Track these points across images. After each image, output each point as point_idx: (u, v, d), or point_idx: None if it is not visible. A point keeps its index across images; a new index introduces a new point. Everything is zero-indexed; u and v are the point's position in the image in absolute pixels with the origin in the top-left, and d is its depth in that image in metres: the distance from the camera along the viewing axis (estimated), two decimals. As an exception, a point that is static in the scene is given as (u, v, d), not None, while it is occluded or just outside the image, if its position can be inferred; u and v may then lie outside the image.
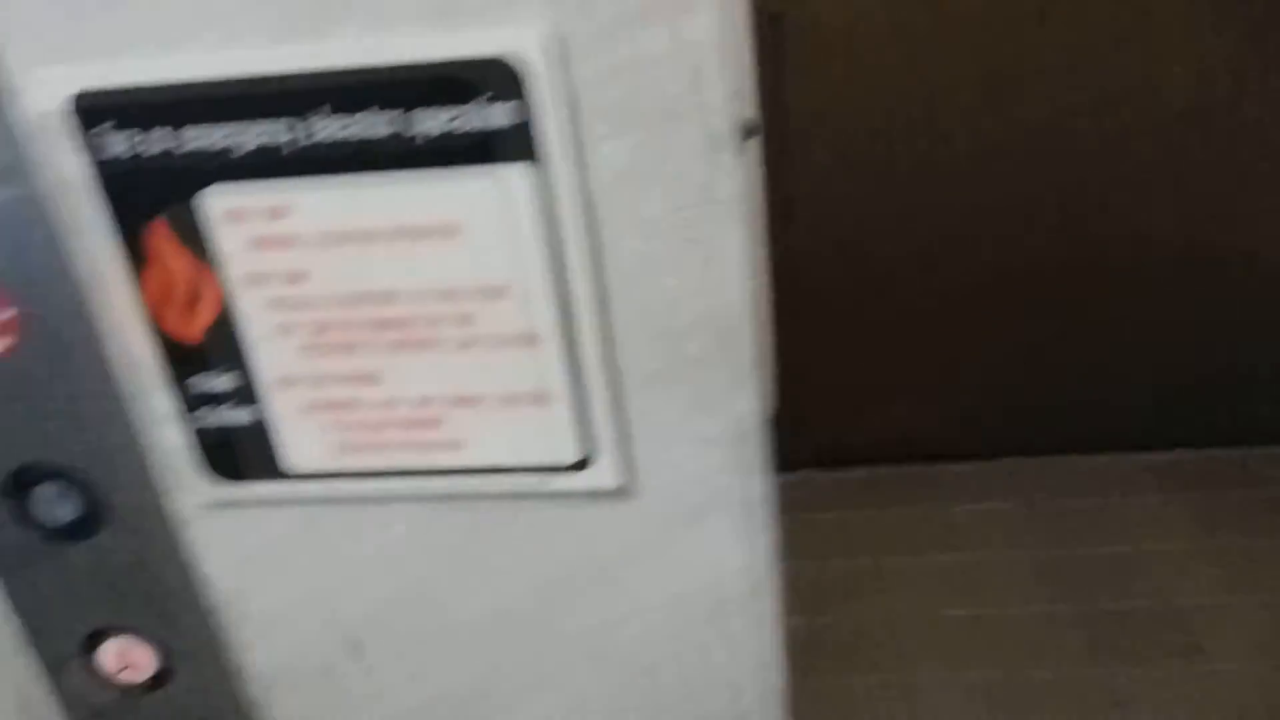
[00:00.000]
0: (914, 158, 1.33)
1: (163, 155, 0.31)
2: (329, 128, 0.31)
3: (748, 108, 0.30)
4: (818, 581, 1.46)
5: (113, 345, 0.35)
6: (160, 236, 0.33)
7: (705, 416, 0.34)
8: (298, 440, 0.36)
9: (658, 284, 0.32)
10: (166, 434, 0.36)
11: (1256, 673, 1.32)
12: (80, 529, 0.38)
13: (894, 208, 1.37)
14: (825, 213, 1.34)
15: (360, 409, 0.35)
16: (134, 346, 0.35)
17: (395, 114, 0.30)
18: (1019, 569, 1.54)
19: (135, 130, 0.31)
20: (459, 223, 0.31)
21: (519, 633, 0.39)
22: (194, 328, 0.34)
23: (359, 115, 0.30)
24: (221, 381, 0.35)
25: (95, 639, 0.41)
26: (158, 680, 0.41)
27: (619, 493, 0.35)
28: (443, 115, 0.30)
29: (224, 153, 0.31)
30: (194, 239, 0.33)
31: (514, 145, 0.30)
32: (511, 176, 0.30)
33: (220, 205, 0.32)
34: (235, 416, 0.35)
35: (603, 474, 0.35)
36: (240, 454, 0.36)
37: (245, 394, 0.35)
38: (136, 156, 0.31)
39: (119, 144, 0.31)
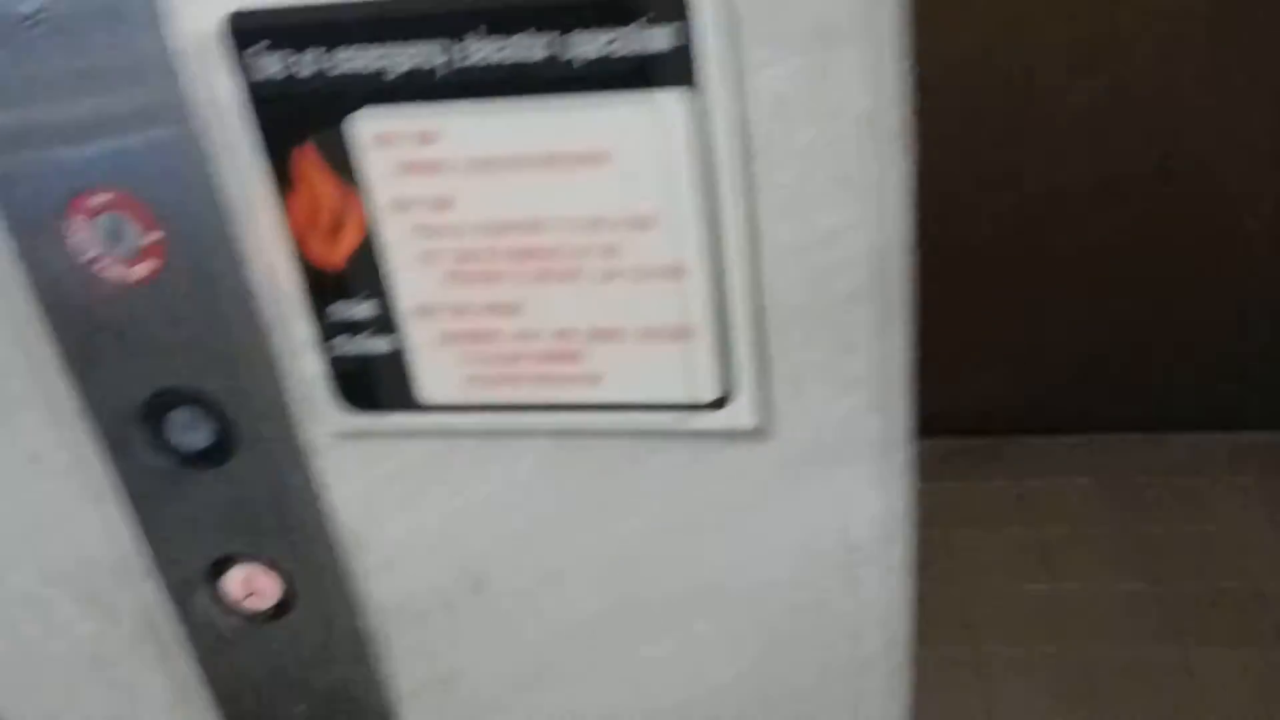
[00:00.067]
0: (1004, 122, 1.30)
1: (315, 77, 0.31)
2: (483, 50, 0.30)
3: (911, 39, 0.29)
4: (890, 551, 1.44)
5: (254, 272, 0.35)
6: (308, 161, 0.33)
7: (849, 356, 0.33)
8: (433, 371, 0.35)
9: (810, 217, 0.31)
10: (303, 362, 0.36)
11: (1345, 659, 1.28)
12: (212, 456, 0.39)
13: (979, 176, 1.34)
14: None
15: (498, 340, 0.34)
16: (276, 273, 0.35)
17: (552, 36, 0.30)
18: (1095, 546, 1.51)
19: (289, 51, 0.31)
20: (610, 150, 0.31)
21: (641, 573, 0.39)
22: (336, 254, 0.34)
23: (515, 37, 0.30)
24: (360, 310, 0.35)
25: (221, 566, 0.42)
26: (281, 608, 0.42)
27: (755, 433, 0.35)
28: (601, 38, 0.29)
29: (376, 75, 0.31)
30: (341, 163, 0.32)
31: (672, 70, 0.29)
32: (667, 103, 0.30)
33: (370, 129, 0.32)
34: (372, 346, 0.35)
35: (740, 413, 0.34)
36: (375, 384, 0.36)
37: (383, 323, 0.35)
38: (289, 79, 0.31)
39: (272, 65, 0.31)
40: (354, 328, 0.35)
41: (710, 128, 0.30)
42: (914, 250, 0.32)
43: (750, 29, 0.29)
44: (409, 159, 0.32)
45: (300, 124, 0.32)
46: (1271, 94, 1.27)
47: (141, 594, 0.44)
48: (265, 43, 0.31)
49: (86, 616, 0.45)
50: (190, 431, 0.38)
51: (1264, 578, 1.38)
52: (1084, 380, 1.55)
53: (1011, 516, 1.52)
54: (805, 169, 0.30)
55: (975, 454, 1.60)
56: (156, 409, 0.38)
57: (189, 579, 0.42)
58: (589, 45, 0.29)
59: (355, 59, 0.31)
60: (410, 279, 0.34)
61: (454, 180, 0.32)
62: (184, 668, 0.46)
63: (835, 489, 0.35)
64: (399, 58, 0.31)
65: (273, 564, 0.41)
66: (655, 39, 0.29)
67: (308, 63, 0.31)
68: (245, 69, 0.31)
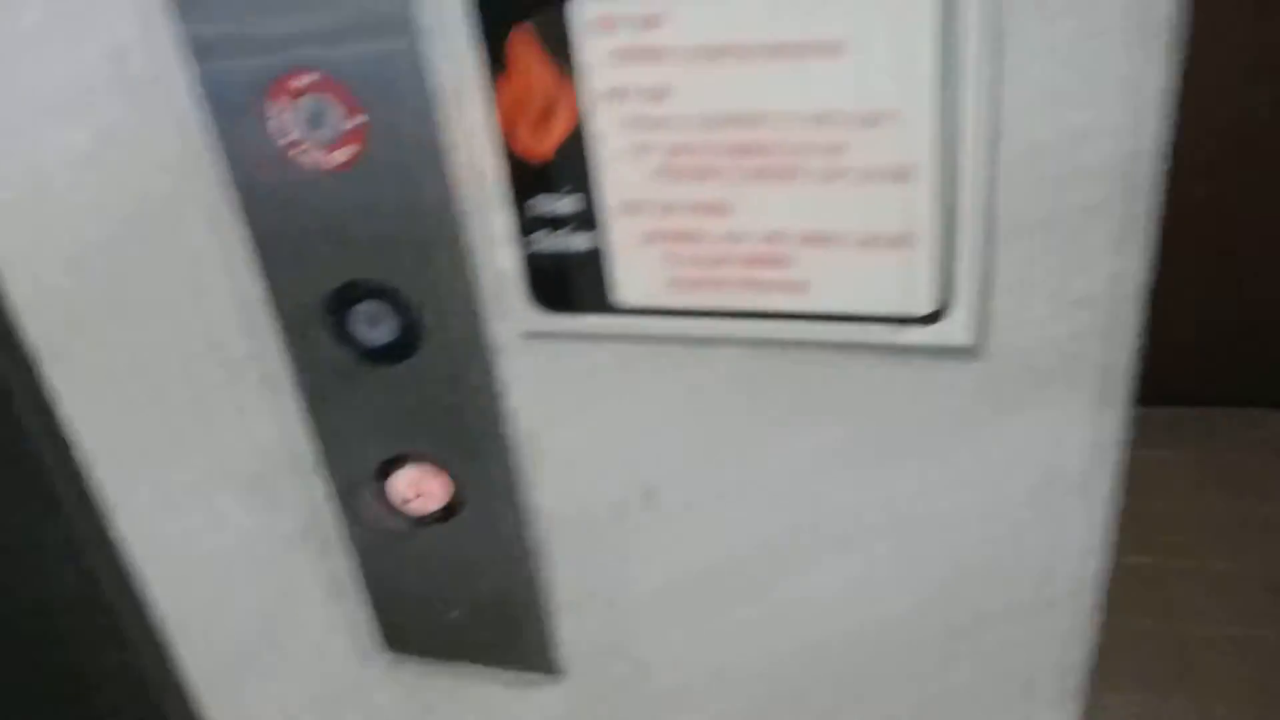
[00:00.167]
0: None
1: (541, -47, 0.30)
2: (722, -72, 0.29)
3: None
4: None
5: (456, 161, 0.34)
6: (523, 44, 0.31)
7: (1080, 274, 0.31)
8: (631, 271, 0.34)
9: (1058, 120, 0.29)
10: (497, 258, 0.35)
11: None
12: (394, 352, 0.38)
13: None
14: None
15: (703, 241, 0.33)
16: (479, 163, 0.34)
17: (799, -87, 0.28)
18: (1196, 521, 1.47)
19: (516, -76, 0.30)
20: (845, 40, 0.29)
21: (824, 493, 0.37)
22: (544, 145, 0.33)
23: (757, -86, 0.28)
24: (563, 204, 0.34)
25: (390, 465, 0.42)
26: (446, 512, 0.42)
27: (967, 351, 0.33)
28: (852, -85, 0.28)
29: (605, -48, 0.30)
30: (558, 48, 0.31)
31: (925, -48, 0.28)
32: (917, -12, 0.28)
33: (591, 11, 0.31)
34: (571, 242, 0.34)
35: (955, 329, 0.33)
36: (569, 282, 0.35)
37: (585, 219, 0.34)
38: (513, -46, 0.30)
39: (496, -61, 0.30)
40: (554, 223, 0.34)
41: (957, 17, 0.28)
42: (1166, 161, 0.30)
43: (1016, -91, 0.27)
44: (628, 45, 0.31)
45: (519, 4, 0.31)
46: None
47: (307, 491, 0.44)
48: (492, -85, 0.30)
49: (250, 511, 0.45)
50: (374, 326, 0.38)
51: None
52: (1190, 354, 1.50)
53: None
54: (1059, 64, 0.28)
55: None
56: (342, 301, 0.38)
57: (357, 477, 0.42)
58: (839, -77, 0.28)
59: (585, -66, 0.29)
60: (618, 173, 0.33)
61: (674, 69, 0.31)
62: (341, 566, 0.46)
63: (1046, 416, 0.34)
64: (632, -66, 0.29)
65: (442, 466, 0.41)
66: (912, -83, 0.27)
67: (534, -62, 0.30)
68: (469, -57, 0.30)
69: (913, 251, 0.32)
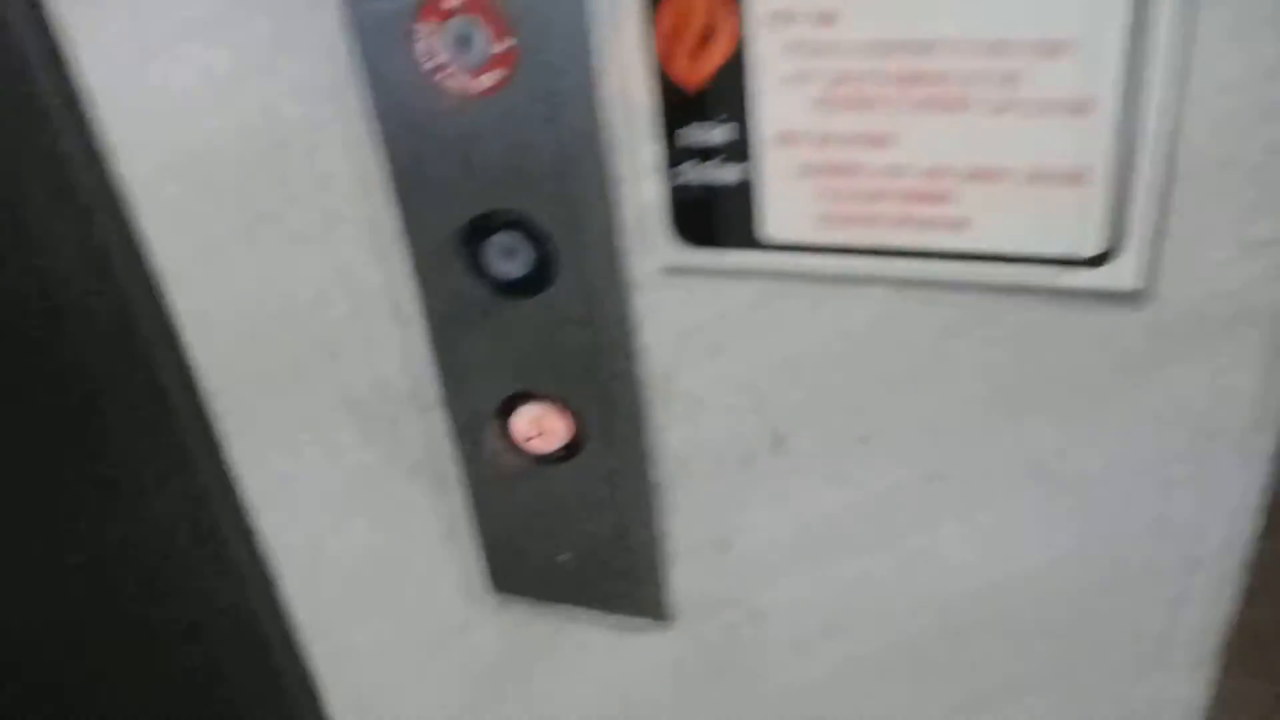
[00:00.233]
0: None
1: None
2: None
3: None
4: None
5: (607, 87, 0.33)
6: (686, -35, 0.30)
7: (1262, 217, 0.30)
8: (781, 206, 0.34)
9: (1249, 55, 0.28)
10: (641, 189, 0.35)
11: None
12: (528, 285, 0.38)
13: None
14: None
15: (860, 175, 0.32)
16: (631, 90, 0.33)
17: None
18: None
19: None
20: (1031, -37, 0.28)
21: (963, 443, 0.36)
22: (700, 72, 0.32)
23: None
24: (715, 134, 0.33)
25: (513, 402, 0.41)
26: (568, 451, 0.41)
27: (1133, 297, 0.32)
28: None
29: None
30: (723, -31, 0.30)
31: None
32: (1115, -94, 0.27)
33: (761, -69, 0.30)
34: (720, 174, 0.33)
35: (1123, 273, 0.31)
36: (715, 216, 0.34)
37: (737, 150, 0.33)
38: None
39: None
40: (704, 154, 0.33)
41: (1156, -60, 0.27)
42: (1367, 96, 0.28)
43: None
44: (797, -33, 0.30)
45: (686, -77, 0.30)
46: None
47: (426, 426, 0.44)
48: None
49: (368, 444, 0.45)
50: (509, 258, 0.38)
51: None
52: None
53: None
54: (1260, -8, 0.27)
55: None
56: (478, 232, 0.37)
57: (479, 414, 0.42)
58: None
59: None
60: (776, 102, 0.32)
61: (844, -7, 0.30)
62: (455, 504, 0.46)
63: (1211, 367, 0.32)
64: None
65: (566, 404, 0.40)
66: None
67: None
68: None
69: (1084, 189, 0.30)
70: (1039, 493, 0.37)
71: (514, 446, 0.42)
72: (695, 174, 0.34)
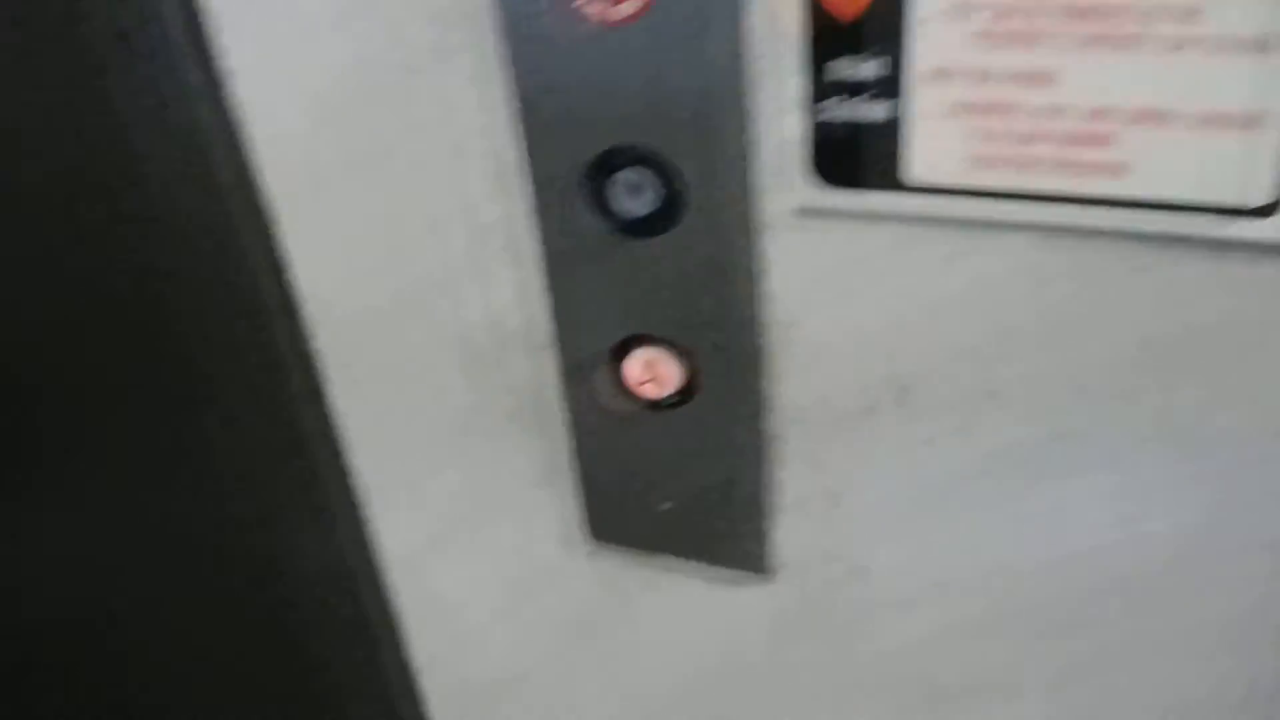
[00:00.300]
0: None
1: None
2: None
3: None
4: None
5: (755, 16, 0.32)
6: (850, -112, 0.29)
7: None
8: (929, 146, 0.32)
9: None
10: (782, 126, 0.34)
11: None
12: (652, 224, 0.37)
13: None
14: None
15: (1017, 115, 0.31)
16: (781, 19, 0.32)
17: None
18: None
19: None
20: (1224, -110, 0.27)
21: (1093, 401, 0.35)
22: (855, 2, 0.31)
23: None
24: (866, 68, 0.32)
25: (626, 345, 0.41)
26: (681, 397, 0.41)
27: (1298, 250, 0.30)
28: None
29: None
30: (889, -107, 0.29)
31: None
32: None
33: None
34: (868, 111, 0.32)
35: (1291, 223, 0.30)
36: (857, 155, 0.33)
37: (888, 85, 0.32)
38: None
39: None
40: (853, 89, 0.32)
41: None
42: None
43: None
44: (969, -108, 0.29)
45: None
46: None
47: (535, 367, 0.43)
48: None
49: (472, 384, 0.45)
50: (634, 195, 0.37)
51: None
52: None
53: None
54: None
55: None
56: (604, 168, 0.37)
57: (590, 356, 0.41)
58: None
59: None
60: (933, 36, 0.31)
61: (1016, -80, 0.29)
62: (557, 449, 0.45)
63: (1377, 326, 0.31)
64: None
65: (682, 348, 0.40)
66: None
67: None
68: None
69: (1258, 134, 0.29)
70: (1174, 455, 0.35)
71: (625, 391, 0.41)
72: (841, 110, 0.33)
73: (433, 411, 0.47)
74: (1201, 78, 0.29)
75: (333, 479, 0.51)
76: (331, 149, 0.41)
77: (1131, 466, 0.36)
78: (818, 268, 0.36)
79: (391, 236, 0.42)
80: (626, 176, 0.37)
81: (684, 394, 0.41)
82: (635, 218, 0.37)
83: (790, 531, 0.43)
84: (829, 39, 0.32)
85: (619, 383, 0.41)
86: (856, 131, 0.33)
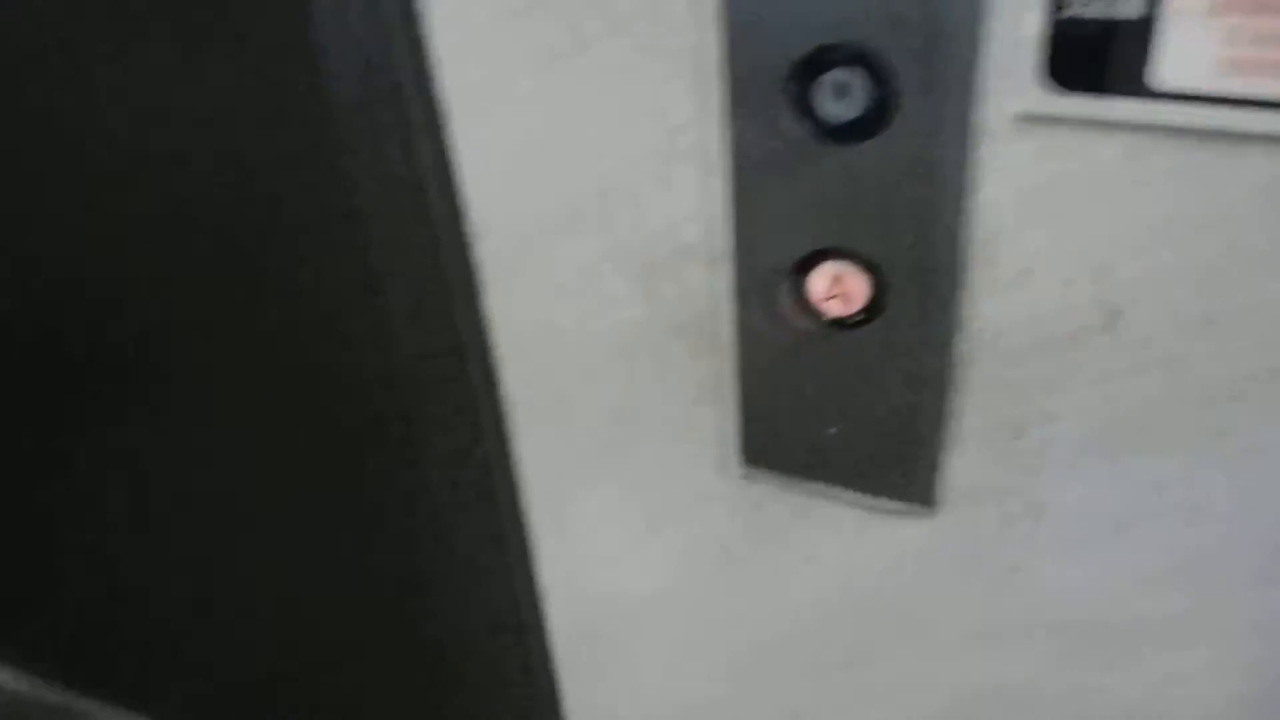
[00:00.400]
0: None
1: None
2: None
3: None
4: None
5: (1001, -98, 0.30)
6: None
7: None
8: (1180, 47, 0.30)
9: None
10: (1019, 23, 0.32)
11: None
12: (856, 129, 0.36)
13: None
14: None
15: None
16: (1032, -96, 0.30)
17: None
18: None
19: None
20: None
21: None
22: (1120, -115, 0.29)
23: None
24: (1121, -39, 0.30)
25: (810, 260, 0.39)
26: (866, 315, 0.39)
27: None
28: None
29: None
30: None
31: None
32: None
33: None
34: (1117, 8, 0.30)
35: None
36: (1098, 57, 0.31)
37: (1144, -20, 0.30)
38: None
39: None
40: (1104, -17, 0.30)
41: None
42: None
43: None
44: None
45: None
46: None
47: (709, 281, 0.42)
48: None
49: (639, 297, 0.44)
50: (841, 98, 0.35)
51: None
52: None
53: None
54: None
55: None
56: (811, 68, 0.35)
57: (771, 270, 0.40)
58: None
59: None
60: (1204, -75, 0.28)
61: None
62: (722, 368, 0.44)
63: None
64: None
65: (872, 264, 0.38)
66: None
67: None
68: None
69: None
70: None
71: (806, 307, 0.40)
72: (1088, 7, 0.31)
73: (593, 325, 0.46)
74: None
75: (481, 388, 0.50)
76: (519, 43, 0.40)
77: (1357, 406, 0.34)
78: (1035, 179, 0.34)
79: (571, 140, 0.41)
80: (835, 77, 0.35)
81: (870, 312, 0.39)
82: (840, 122, 0.36)
83: (964, 463, 0.42)
84: (1084, -73, 0.30)
85: (800, 298, 0.40)
86: (1102, 30, 0.31)
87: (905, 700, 0.51)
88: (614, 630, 0.58)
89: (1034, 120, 0.33)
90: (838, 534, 0.47)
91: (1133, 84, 0.31)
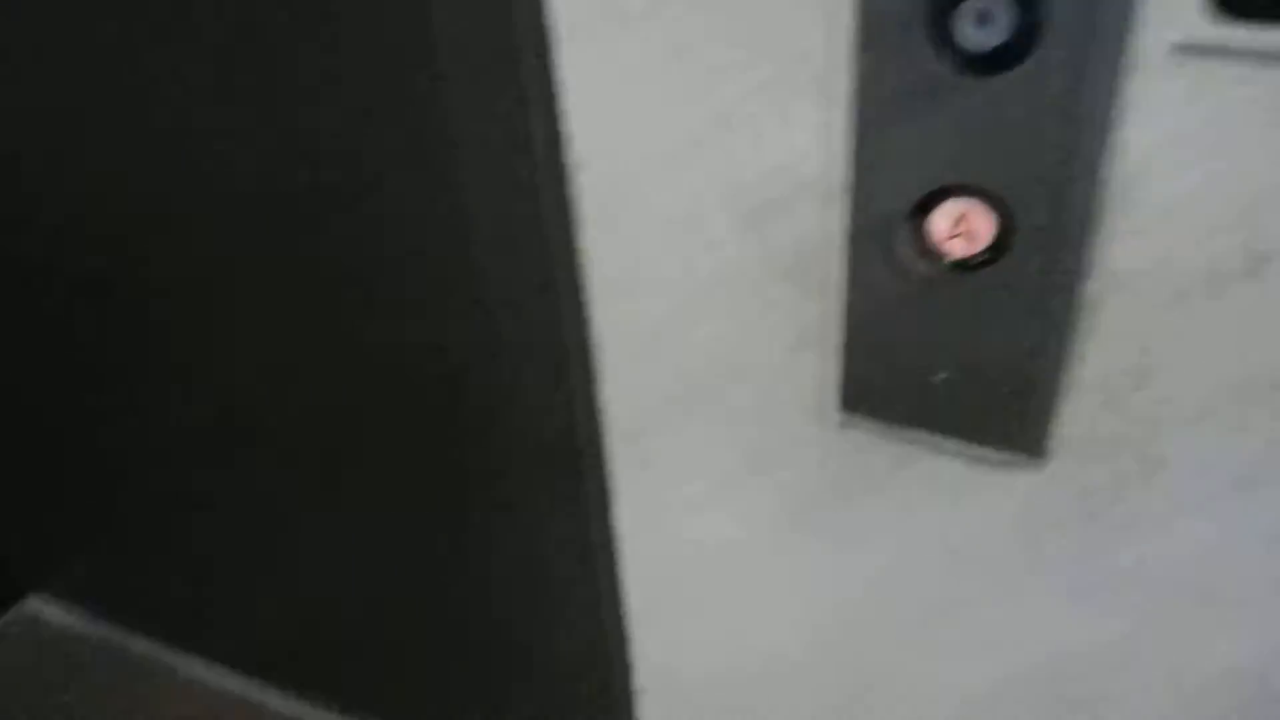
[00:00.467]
0: None
1: None
2: None
3: None
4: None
5: None
6: None
7: None
8: (1365, -27, 0.29)
9: None
10: (1186, -56, 0.30)
11: None
12: (997, 59, 0.34)
13: None
14: None
15: None
16: None
17: None
18: None
19: None
20: None
21: None
22: None
23: None
24: (1308, -124, 0.28)
25: (933, 198, 0.38)
26: (991, 255, 0.38)
27: None
28: None
29: None
30: None
31: None
32: None
33: None
34: (1298, -71, 0.29)
35: None
36: (1272, -17, 0.30)
37: (1332, -102, 0.28)
38: None
39: None
40: (1286, -99, 0.28)
41: None
42: None
43: None
44: None
45: None
46: None
47: (822, 218, 0.41)
48: None
49: (745, 235, 0.43)
50: (984, 25, 0.34)
51: None
52: None
53: None
54: None
55: None
56: (954, -7, 0.34)
57: (892, 208, 0.39)
58: None
59: None
60: None
61: None
62: (827, 309, 0.43)
63: None
64: None
65: (999, 202, 0.37)
66: None
67: None
68: None
69: None
70: None
71: (926, 247, 0.39)
72: (1265, -73, 0.29)
73: (693, 264, 0.45)
74: None
75: (568, 321, 0.49)
76: (638, -34, 0.38)
77: None
78: (1187, 116, 0.33)
79: (685, 66, 0.40)
80: (977, 3, 0.33)
81: (995, 252, 0.38)
82: (980, 51, 0.34)
83: (1079, 413, 0.40)
84: None
85: (920, 238, 0.39)
86: (1279, -47, 0.29)
87: (991, 660, 0.50)
88: (690, 582, 0.58)
89: (1193, 51, 0.31)
90: (936, 485, 0.46)
91: (1308, 12, 0.30)
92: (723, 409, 0.49)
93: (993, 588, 0.48)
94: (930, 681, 0.53)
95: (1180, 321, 0.36)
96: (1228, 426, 0.38)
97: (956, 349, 0.41)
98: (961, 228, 0.38)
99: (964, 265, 0.39)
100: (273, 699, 0.99)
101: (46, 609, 1.12)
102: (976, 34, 0.34)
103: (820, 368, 0.45)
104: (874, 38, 0.36)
